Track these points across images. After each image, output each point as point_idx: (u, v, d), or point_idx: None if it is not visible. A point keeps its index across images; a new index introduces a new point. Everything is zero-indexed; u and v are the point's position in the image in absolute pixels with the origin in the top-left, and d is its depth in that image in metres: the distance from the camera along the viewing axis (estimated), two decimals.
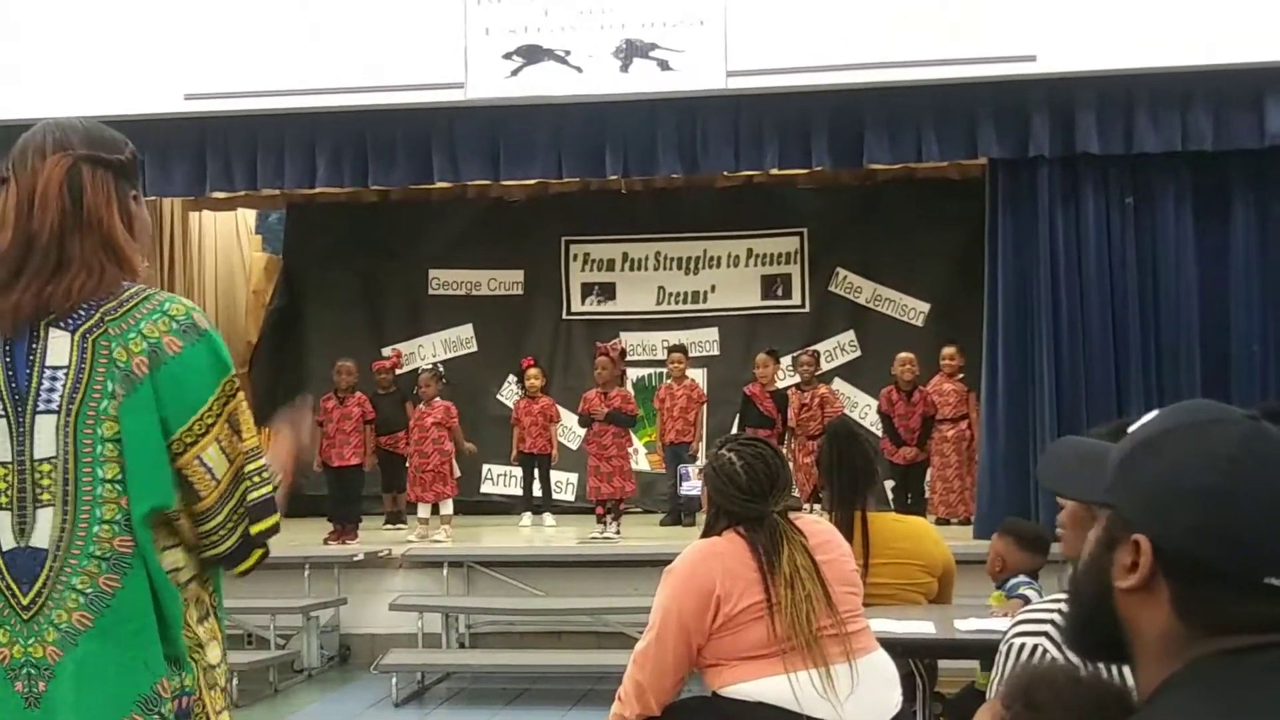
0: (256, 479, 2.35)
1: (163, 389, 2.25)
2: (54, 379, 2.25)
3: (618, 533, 10.85)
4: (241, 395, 2.37)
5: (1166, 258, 9.76)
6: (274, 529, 2.38)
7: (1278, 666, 1.40)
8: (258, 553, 2.35)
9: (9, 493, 2.23)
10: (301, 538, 10.81)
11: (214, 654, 2.37)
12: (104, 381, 2.24)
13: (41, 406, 2.24)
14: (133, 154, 2.45)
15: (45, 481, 2.23)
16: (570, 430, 12.61)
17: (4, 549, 2.23)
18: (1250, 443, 1.46)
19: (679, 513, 11.72)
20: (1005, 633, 2.64)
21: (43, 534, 2.22)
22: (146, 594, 2.24)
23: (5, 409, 2.25)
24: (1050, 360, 9.71)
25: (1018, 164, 9.90)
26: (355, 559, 9.98)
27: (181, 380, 2.26)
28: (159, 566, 2.26)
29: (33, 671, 2.20)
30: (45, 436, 2.24)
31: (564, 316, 13.97)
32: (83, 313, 2.27)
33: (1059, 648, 2.47)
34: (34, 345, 2.26)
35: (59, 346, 2.26)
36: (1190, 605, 1.45)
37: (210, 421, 2.28)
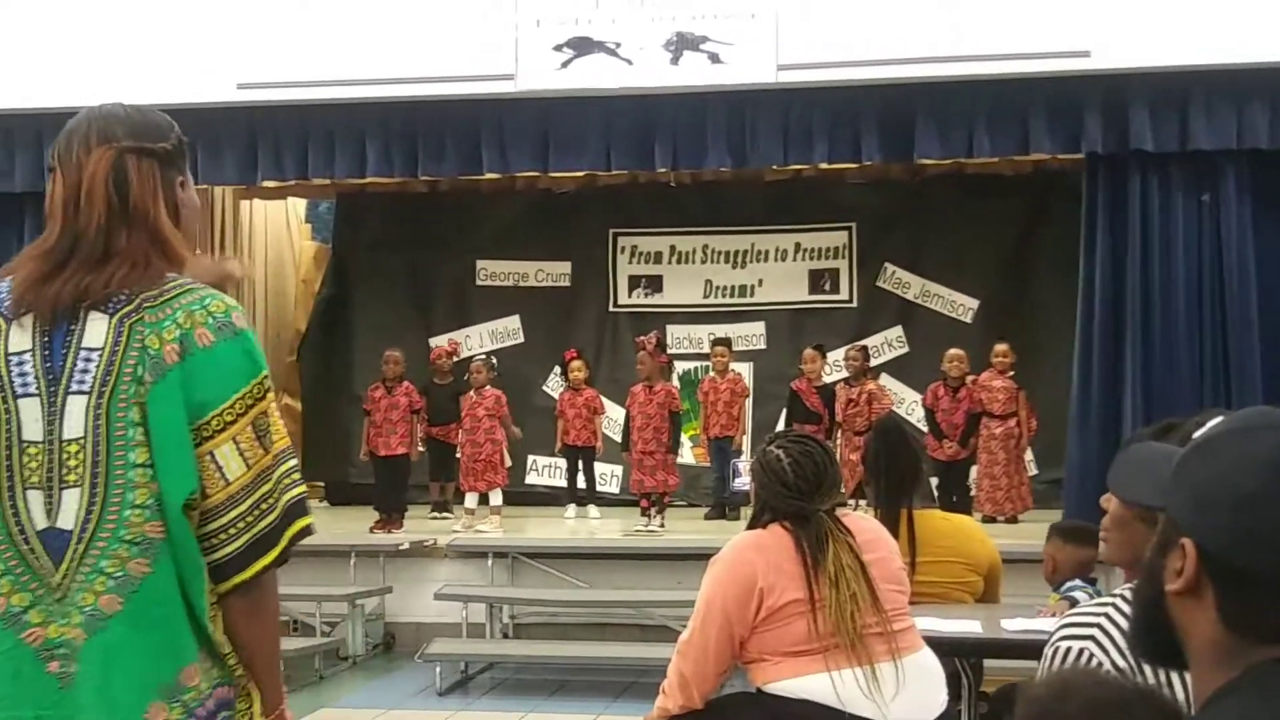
0: (288, 480, 2.30)
1: (188, 379, 2.23)
2: (88, 360, 2.24)
3: (662, 525, 10.86)
4: (271, 399, 2.32)
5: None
6: (307, 530, 2.33)
7: None
8: (260, 563, 2.25)
9: (40, 472, 2.22)
10: (347, 526, 10.88)
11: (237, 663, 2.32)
12: (135, 367, 2.22)
13: (74, 387, 2.23)
14: (179, 139, 2.42)
15: (72, 463, 2.21)
16: (615, 422, 12.62)
17: (38, 529, 2.22)
18: None
19: (723, 506, 11.74)
20: (1051, 634, 2.62)
21: (68, 515, 2.21)
22: (174, 580, 2.22)
23: (39, 389, 2.24)
24: (1139, 361, 9.62)
25: (1115, 160, 9.77)
26: (401, 548, 10.04)
27: (206, 373, 2.24)
28: (195, 553, 2.23)
29: (67, 652, 2.19)
30: (75, 417, 2.22)
31: (611, 308, 13.98)
32: (123, 298, 2.26)
33: (1105, 651, 2.45)
34: (72, 327, 2.26)
35: (96, 328, 2.25)
36: (1236, 611, 1.44)
37: (230, 419, 2.24)
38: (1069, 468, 10.08)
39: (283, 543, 2.29)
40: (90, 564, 2.20)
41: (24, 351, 2.27)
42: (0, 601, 2.21)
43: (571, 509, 12.05)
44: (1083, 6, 9.43)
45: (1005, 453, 11.21)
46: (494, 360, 11.97)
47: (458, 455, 11.65)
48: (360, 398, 12.10)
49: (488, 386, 11.37)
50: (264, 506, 2.27)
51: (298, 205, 14.83)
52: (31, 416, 2.24)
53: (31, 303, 2.27)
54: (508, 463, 11.62)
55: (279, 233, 14.45)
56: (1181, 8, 9.34)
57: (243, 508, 2.24)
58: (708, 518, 11.82)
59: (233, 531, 2.24)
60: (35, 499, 2.22)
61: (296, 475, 2.34)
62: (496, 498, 11.20)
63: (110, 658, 2.19)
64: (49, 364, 2.25)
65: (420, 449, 11.88)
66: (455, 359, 12.46)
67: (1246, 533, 1.43)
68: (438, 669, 8.81)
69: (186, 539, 2.22)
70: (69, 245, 2.29)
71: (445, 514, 11.95)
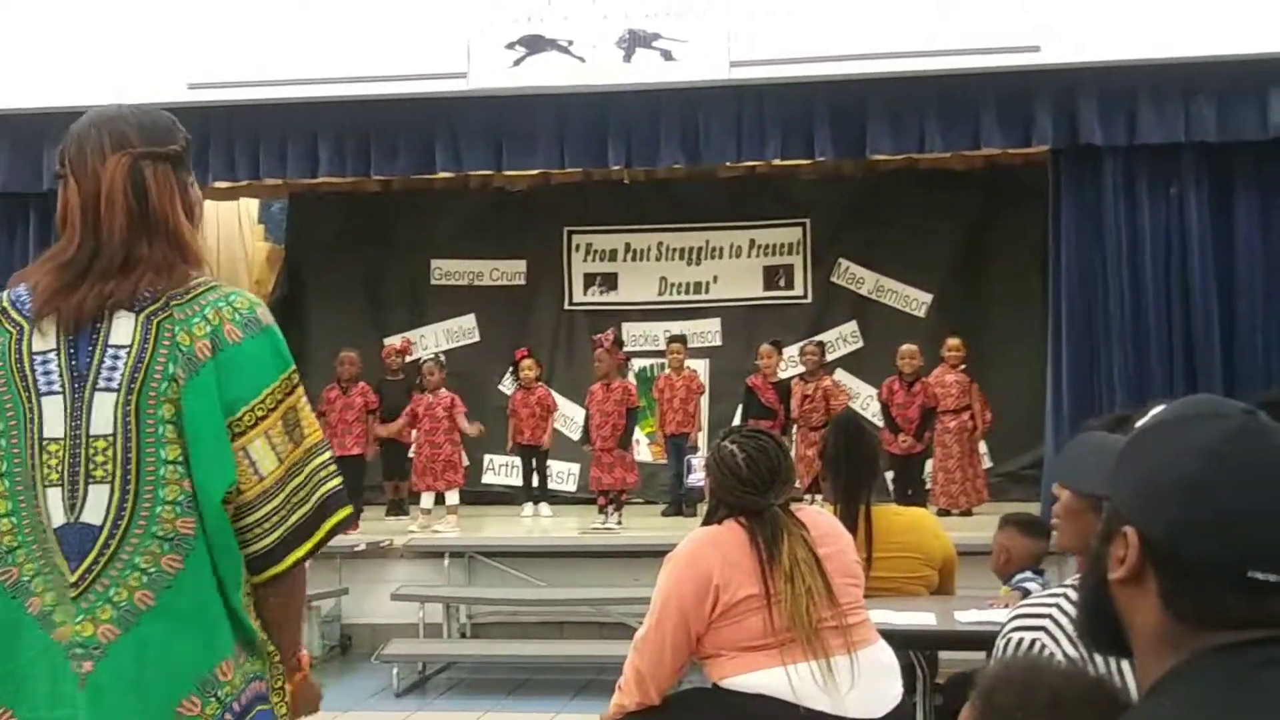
0: (324, 473, 2.34)
1: (220, 375, 2.25)
2: (116, 358, 2.24)
3: (619, 523, 10.85)
4: (301, 392, 2.37)
5: (1242, 248, 9.76)
6: (345, 521, 2.38)
7: (1270, 662, 1.41)
8: (297, 553, 2.31)
9: (60, 468, 2.22)
10: None
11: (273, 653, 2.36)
12: (166, 363, 2.23)
13: (102, 384, 2.23)
14: (186, 140, 2.43)
15: (100, 459, 2.21)
16: (570, 420, 12.61)
17: (55, 525, 2.21)
18: (1234, 438, 1.46)
19: (680, 503, 11.72)
20: (1003, 625, 2.63)
21: (96, 510, 2.20)
22: (209, 575, 2.23)
23: (63, 386, 2.24)
24: (1113, 353, 9.70)
25: (1079, 153, 9.84)
26: (356, 549, 9.97)
27: (237, 369, 2.26)
28: (233, 547, 2.25)
29: (78, 652, 2.18)
30: (103, 414, 2.22)
31: (566, 307, 13.96)
32: (148, 295, 2.27)
33: (1056, 642, 2.47)
34: (97, 325, 2.26)
35: (123, 326, 2.26)
36: (1177, 599, 1.46)
37: (261, 414, 2.27)
38: (1045, 460, 10.16)
39: (318, 535, 2.33)
40: (124, 560, 2.20)
41: (48, 351, 2.28)
42: (35, 601, 2.22)
43: (528, 508, 12.03)
44: (1032, 2, 9.49)
45: (959, 446, 11.27)
46: (442, 358, 11.94)
47: (410, 455, 11.63)
48: (315, 398, 12.04)
49: (441, 389, 11.34)
50: (295, 500, 2.30)
51: (250, 206, 14.72)
52: (54, 414, 2.25)
53: (57, 308, 2.27)
54: (465, 462, 11.59)
55: (231, 234, 14.34)
56: (1129, 3, 9.41)
57: (276, 502, 2.28)
58: (665, 514, 11.81)
59: (267, 526, 2.28)
60: (54, 496, 2.23)
61: (332, 468, 2.37)
62: (453, 497, 11.16)
63: (144, 653, 2.19)
64: (74, 362, 2.26)
65: (375, 448, 11.84)
66: (406, 357, 12.44)
67: (1187, 521, 1.44)
68: (395, 670, 8.79)
69: (225, 533, 2.25)
70: (89, 254, 2.30)
71: (400, 514, 11.92)
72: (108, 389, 2.24)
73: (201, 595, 2.23)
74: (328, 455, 2.37)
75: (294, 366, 2.36)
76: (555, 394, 12.25)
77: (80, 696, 2.18)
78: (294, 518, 2.29)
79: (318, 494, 2.32)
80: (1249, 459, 1.45)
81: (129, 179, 2.31)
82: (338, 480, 2.37)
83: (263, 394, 2.28)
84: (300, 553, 2.31)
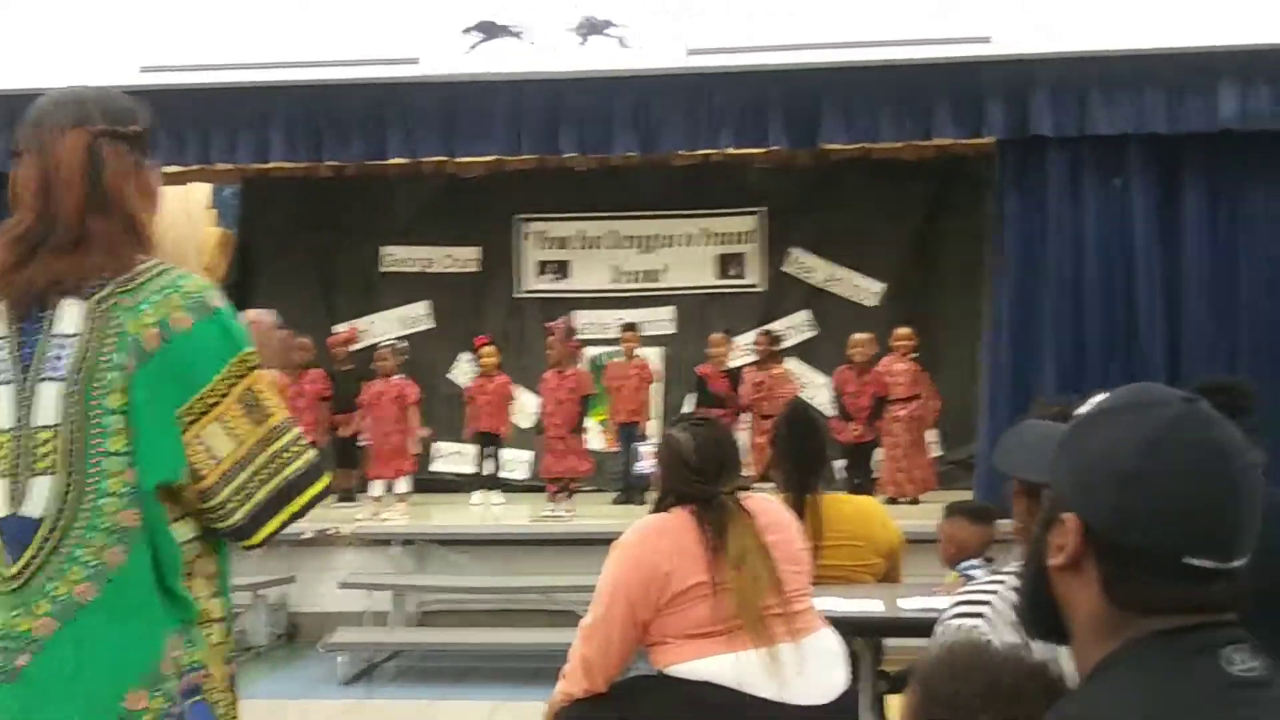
0: (292, 450, 2.32)
1: (171, 364, 2.21)
2: (61, 346, 2.21)
3: (569, 511, 10.84)
4: (260, 374, 2.31)
5: (1189, 239, 9.83)
6: (324, 492, 2.37)
7: (1206, 648, 1.42)
8: (268, 527, 2.30)
9: (9, 460, 2.19)
10: None
11: (219, 632, 2.34)
12: (113, 352, 2.20)
13: (46, 373, 2.20)
14: (147, 122, 2.40)
15: (43, 450, 2.19)
16: (522, 407, 12.59)
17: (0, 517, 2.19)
18: (1173, 426, 1.47)
19: (631, 491, 11.73)
20: (944, 612, 2.64)
21: (37, 503, 2.18)
22: (151, 568, 2.20)
23: (14, 376, 2.22)
24: (1050, 344, 9.75)
25: (1025, 144, 9.87)
26: (304, 536, 9.89)
27: (187, 357, 2.22)
28: (169, 539, 2.23)
29: (10, 645, 2.15)
30: (47, 404, 2.20)
31: (515, 294, 13.93)
32: (96, 283, 2.24)
33: (995, 628, 2.48)
34: (45, 313, 2.23)
35: (70, 314, 2.22)
36: (1116, 585, 1.47)
37: (213, 401, 2.23)
38: (980, 451, 10.20)
39: (293, 506, 2.31)
40: (65, 552, 2.17)
41: (0, 339, 2.25)
42: None
43: (478, 495, 12.00)
44: None
45: (908, 434, 11.32)
46: (398, 346, 11.88)
47: (359, 443, 11.55)
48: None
49: (395, 375, 11.28)
50: (261, 476, 2.28)
51: (202, 191, 14.58)
52: (4, 405, 2.22)
53: (3, 290, 2.24)
54: (415, 449, 11.55)
55: (183, 219, 14.21)
56: None
57: (239, 480, 2.26)
58: (616, 502, 11.83)
59: (232, 505, 2.26)
60: (1, 487, 2.20)
61: (302, 443, 2.34)
62: (403, 485, 11.12)
63: (83, 646, 2.16)
64: (24, 350, 2.23)
65: (327, 436, 11.77)
66: (352, 346, 12.35)
67: (1126, 508, 1.45)
68: (339, 658, 8.74)
69: (161, 522, 2.22)
70: (43, 231, 2.26)
71: (350, 502, 11.85)
72: (52, 378, 2.20)
73: (144, 588, 2.20)
74: (296, 433, 2.34)
75: (248, 348, 2.30)
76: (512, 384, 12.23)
77: (7, 690, 2.15)
78: (261, 493, 2.27)
79: (285, 471, 2.30)
80: (1184, 447, 1.46)
81: (87, 156, 2.28)
82: (309, 456, 2.34)
83: (214, 380, 2.24)
84: (274, 525, 2.31)
